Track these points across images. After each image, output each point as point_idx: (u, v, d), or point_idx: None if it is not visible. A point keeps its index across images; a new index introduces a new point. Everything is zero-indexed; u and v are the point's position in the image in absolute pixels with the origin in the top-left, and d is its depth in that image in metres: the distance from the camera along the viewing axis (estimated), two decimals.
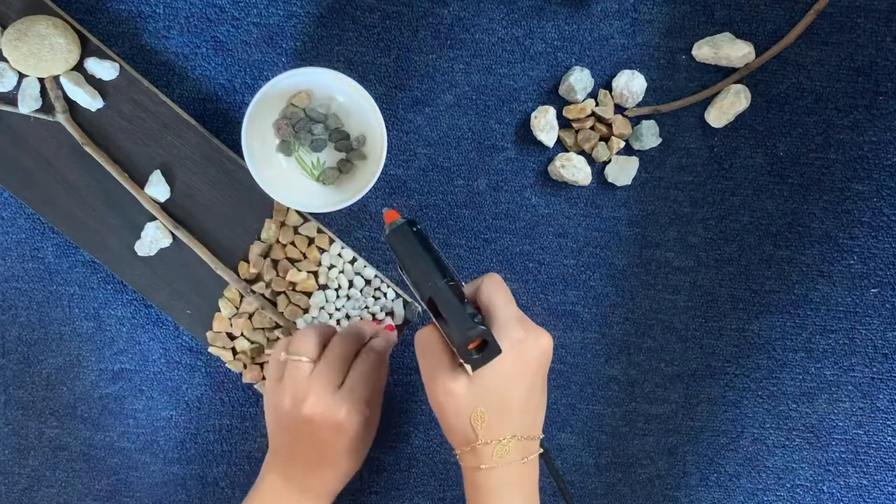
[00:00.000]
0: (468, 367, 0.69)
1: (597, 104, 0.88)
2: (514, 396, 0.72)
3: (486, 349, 0.68)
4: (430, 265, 0.70)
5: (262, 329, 0.87)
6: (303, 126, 0.84)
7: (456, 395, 0.71)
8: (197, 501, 0.92)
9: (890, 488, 0.95)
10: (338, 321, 0.87)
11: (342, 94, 0.83)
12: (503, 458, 0.72)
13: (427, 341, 0.74)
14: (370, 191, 0.87)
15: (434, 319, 0.72)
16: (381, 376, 0.84)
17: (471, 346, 0.68)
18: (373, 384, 0.81)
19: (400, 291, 0.88)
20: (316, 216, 0.87)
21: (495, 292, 0.74)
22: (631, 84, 0.87)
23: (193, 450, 0.91)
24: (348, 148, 0.85)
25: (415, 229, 0.73)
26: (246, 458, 0.91)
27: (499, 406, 0.72)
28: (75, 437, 0.91)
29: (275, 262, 0.86)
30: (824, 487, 0.95)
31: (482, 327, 0.67)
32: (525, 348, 0.72)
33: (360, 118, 0.84)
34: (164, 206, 0.85)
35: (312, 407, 0.77)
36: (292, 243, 0.86)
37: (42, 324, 0.90)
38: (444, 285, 0.69)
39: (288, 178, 0.85)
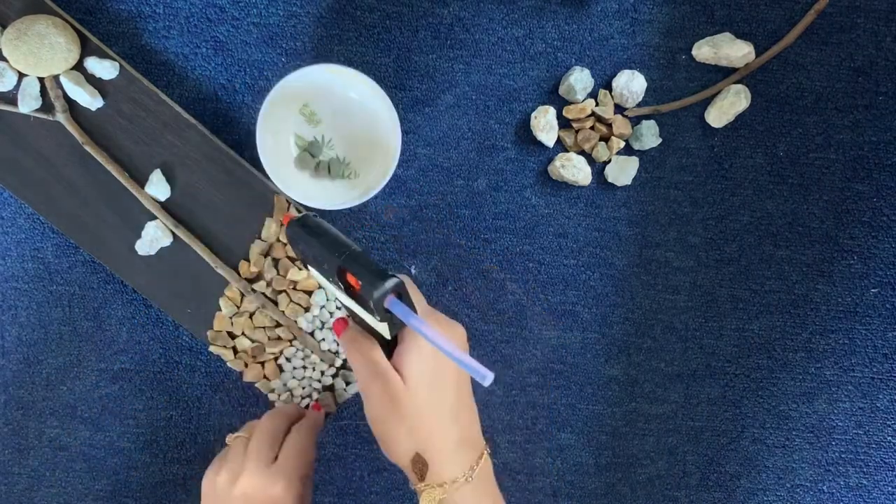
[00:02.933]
0: (385, 328, 0.67)
1: (597, 104, 0.88)
2: (446, 396, 0.71)
3: (403, 304, 0.66)
4: (333, 240, 0.69)
5: (263, 328, 0.87)
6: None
7: (400, 398, 0.70)
8: (197, 501, 0.92)
9: (890, 488, 0.95)
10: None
11: (355, 90, 0.83)
12: (459, 469, 0.72)
13: (355, 343, 0.72)
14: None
15: (350, 306, 0.70)
16: (312, 456, 0.82)
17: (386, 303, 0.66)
18: (306, 461, 0.78)
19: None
20: (317, 214, 0.87)
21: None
22: (631, 84, 0.87)
23: (193, 450, 0.91)
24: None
25: (311, 220, 0.72)
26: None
27: (436, 408, 0.71)
28: (75, 437, 0.90)
29: (275, 261, 0.86)
30: (824, 487, 0.95)
31: (397, 277, 0.66)
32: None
33: (373, 114, 0.84)
34: (165, 206, 0.85)
35: (248, 480, 0.75)
36: None
37: (42, 324, 0.89)
38: (353, 251, 0.68)
39: (304, 177, 0.85)
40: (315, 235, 0.70)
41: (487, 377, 0.61)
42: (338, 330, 0.77)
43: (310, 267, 0.73)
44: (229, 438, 0.80)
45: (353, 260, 0.67)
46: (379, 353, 0.71)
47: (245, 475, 0.75)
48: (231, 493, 0.75)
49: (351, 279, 0.67)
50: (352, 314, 0.73)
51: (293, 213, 0.77)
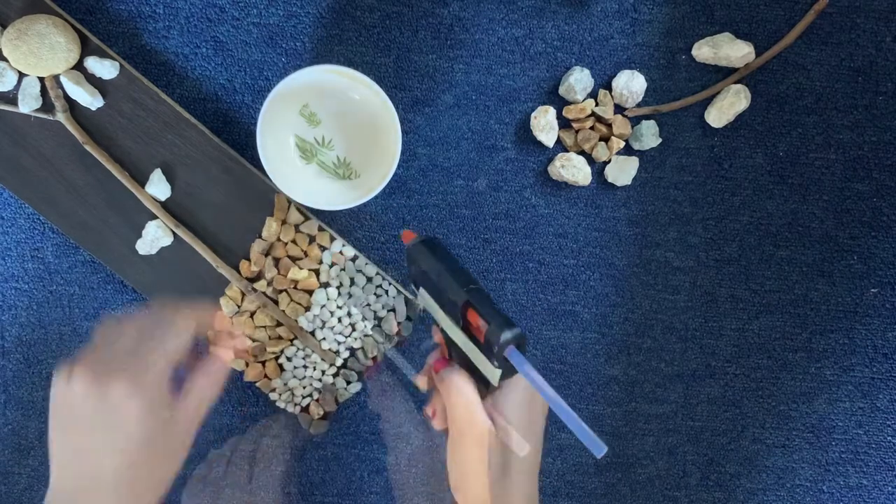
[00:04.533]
0: (496, 374, 0.66)
1: (597, 104, 0.88)
2: (535, 439, 0.71)
3: (523, 357, 0.65)
4: (461, 271, 0.68)
5: (264, 327, 0.87)
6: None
7: (491, 445, 0.68)
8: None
9: (890, 488, 0.95)
10: (339, 319, 0.87)
11: (355, 91, 0.83)
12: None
13: (459, 383, 0.70)
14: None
15: (457, 340, 0.70)
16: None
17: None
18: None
19: (401, 289, 0.88)
20: (317, 214, 0.87)
21: None
22: (631, 84, 0.87)
23: (193, 450, 0.91)
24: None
25: (440, 244, 0.71)
26: (245, 458, 0.91)
27: (520, 462, 0.70)
28: None
29: (276, 260, 0.86)
30: (824, 487, 0.95)
31: (520, 328, 0.65)
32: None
33: (373, 115, 0.83)
34: (165, 205, 0.85)
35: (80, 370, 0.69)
36: (293, 241, 0.86)
37: (42, 324, 0.89)
38: (479, 288, 0.67)
39: (305, 178, 0.85)
40: (443, 261, 0.69)
41: (602, 449, 0.60)
42: (437, 368, 0.74)
43: (421, 288, 0.72)
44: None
45: (481, 299, 0.66)
46: (479, 398, 0.69)
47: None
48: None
49: (472, 317, 0.66)
50: (451, 346, 0.72)
51: (412, 231, 0.73)
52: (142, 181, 0.85)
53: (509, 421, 0.69)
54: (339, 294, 0.87)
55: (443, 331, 0.72)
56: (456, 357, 0.72)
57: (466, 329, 0.68)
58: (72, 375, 0.68)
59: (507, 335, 0.64)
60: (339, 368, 0.88)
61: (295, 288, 0.86)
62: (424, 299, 0.72)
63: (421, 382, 0.78)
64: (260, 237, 0.86)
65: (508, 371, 0.67)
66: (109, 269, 0.87)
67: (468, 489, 0.71)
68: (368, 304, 0.87)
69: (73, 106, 0.84)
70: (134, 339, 0.69)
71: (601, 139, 0.89)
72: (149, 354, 0.68)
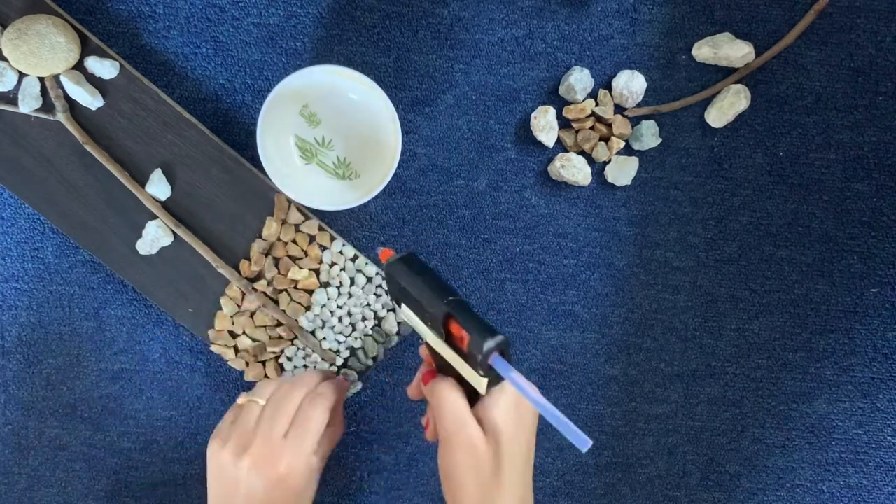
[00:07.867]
0: (483, 383, 0.67)
1: (597, 104, 0.88)
2: (520, 454, 0.71)
3: (507, 363, 0.66)
4: (439, 284, 0.68)
5: (264, 327, 0.87)
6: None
7: (479, 450, 0.69)
8: (197, 501, 0.92)
9: (890, 488, 0.95)
10: (339, 319, 0.87)
11: (355, 91, 0.83)
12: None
13: (446, 392, 0.71)
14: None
15: (442, 352, 0.70)
16: (333, 429, 0.81)
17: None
18: (314, 434, 0.76)
19: None
20: (317, 214, 0.87)
21: None
22: (631, 84, 0.88)
23: (193, 450, 0.91)
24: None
25: (418, 259, 0.71)
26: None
27: (508, 465, 0.70)
28: (75, 437, 0.90)
29: (276, 260, 0.86)
30: (824, 487, 0.95)
31: (502, 335, 0.65)
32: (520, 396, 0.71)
33: (373, 115, 0.84)
34: (165, 205, 0.85)
35: (254, 456, 0.73)
36: (294, 241, 0.86)
37: (42, 324, 0.89)
38: (459, 299, 0.67)
39: (305, 177, 0.85)
40: (421, 276, 0.69)
41: (586, 443, 0.61)
42: (426, 380, 0.75)
43: (402, 305, 0.72)
44: (241, 398, 0.78)
45: (461, 309, 0.66)
46: (466, 405, 0.70)
47: (252, 449, 0.74)
48: (237, 468, 0.74)
49: (455, 328, 0.67)
50: (437, 358, 0.72)
51: (389, 249, 0.75)
52: (142, 181, 0.85)
53: (498, 425, 0.69)
54: (339, 294, 0.87)
55: (427, 345, 0.72)
56: (443, 368, 0.72)
57: (450, 341, 0.68)
58: (224, 445, 0.75)
59: (489, 344, 0.64)
60: (339, 368, 0.89)
61: (295, 288, 0.87)
62: (407, 315, 0.72)
63: (411, 392, 0.78)
64: (260, 237, 0.86)
65: (495, 378, 0.67)
66: (109, 269, 0.88)
67: (458, 494, 0.71)
68: (368, 304, 0.87)
69: (73, 106, 0.84)
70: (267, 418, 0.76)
71: (601, 139, 0.89)
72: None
